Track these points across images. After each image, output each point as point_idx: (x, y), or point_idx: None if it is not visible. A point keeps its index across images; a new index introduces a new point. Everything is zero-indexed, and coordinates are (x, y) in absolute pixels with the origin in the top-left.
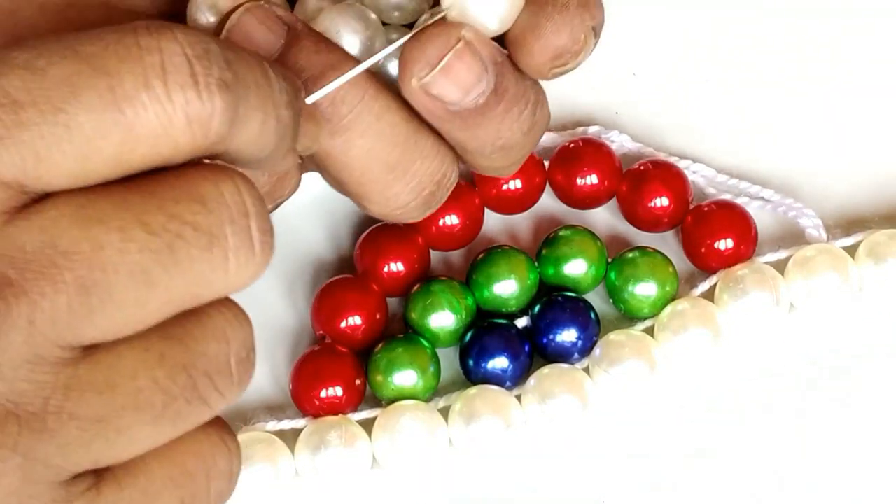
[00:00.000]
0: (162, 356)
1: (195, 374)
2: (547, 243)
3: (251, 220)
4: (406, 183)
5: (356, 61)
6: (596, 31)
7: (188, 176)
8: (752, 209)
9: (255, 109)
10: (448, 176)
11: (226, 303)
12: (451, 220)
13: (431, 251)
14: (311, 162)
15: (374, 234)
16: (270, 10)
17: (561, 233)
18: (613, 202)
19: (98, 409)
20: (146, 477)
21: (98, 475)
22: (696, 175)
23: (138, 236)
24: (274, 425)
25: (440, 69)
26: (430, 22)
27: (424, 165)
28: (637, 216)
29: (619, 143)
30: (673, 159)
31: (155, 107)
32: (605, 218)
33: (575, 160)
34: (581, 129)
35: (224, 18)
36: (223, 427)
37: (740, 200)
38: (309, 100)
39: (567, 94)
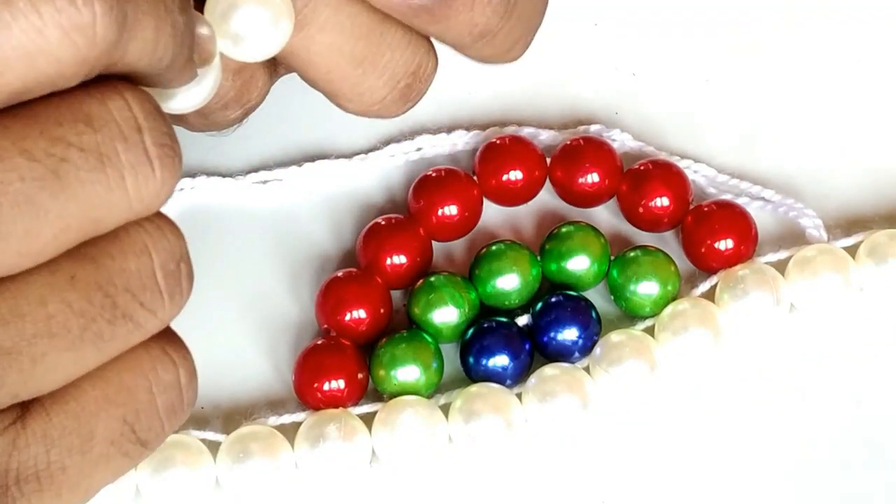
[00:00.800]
0: (73, 278)
1: (114, 293)
2: (550, 238)
3: (145, 135)
4: (378, 76)
5: None
6: None
7: (72, 96)
8: (753, 209)
9: (147, 14)
10: (424, 66)
11: (149, 217)
12: (451, 210)
13: (434, 246)
14: (282, 61)
15: (375, 227)
16: None
17: (564, 228)
18: (613, 201)
19: (5, 341)
20: (78, 401)
21: (24, 407)
22: (697, 175)
23: (19, 164)
24: (275, 420)
25: None
26: None
27: (395, 57)
28: (637, 216)
29: (621, 141)
30: (674, 159)
31: (20, 22)
32: (605, 217)
33: (576, 158)
34: (582, 127)
35: None
36: (167, 338)
37: (741, 200)
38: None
39: (568, 92)
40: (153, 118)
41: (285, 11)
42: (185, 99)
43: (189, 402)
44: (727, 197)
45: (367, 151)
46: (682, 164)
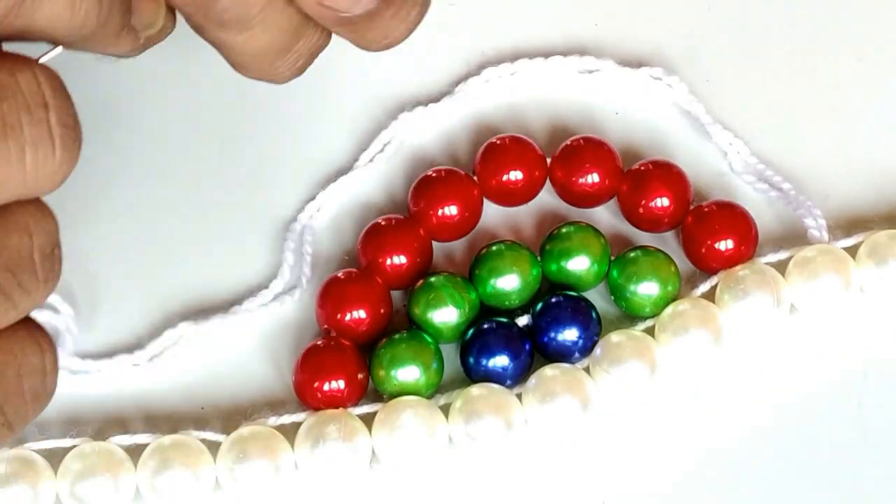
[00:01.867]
0: None
1: None
2: (550, 238)
3: (50, 113)
4: (286, 59)
5: None
6: None
7: None
8: (760, 202)
9: None
10: (322, 46)
11: (31, 198)
12: (451, 210)
13: (434, 246)
14: (213, 45)
15: (375, 227)
16: None
17: (564, 229)
18: (614, 202)
19: None
20: None
21: None
22: (732, 149)
23: None
24: (275, 420)
25: None
26: None
27: (306, 43)
28: (637, 216)
29: (677, 92)
30: (715, 128)
31: None
32: (605, 217)
33: (576, 158)
34: (645, 69)
35: None
36: (34, 325)
37: (759, 187)
38: None
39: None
40: (60, 97)
41: None
42: None
43: (51, 389)
44: (748, 178)
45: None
46: (721, 136)
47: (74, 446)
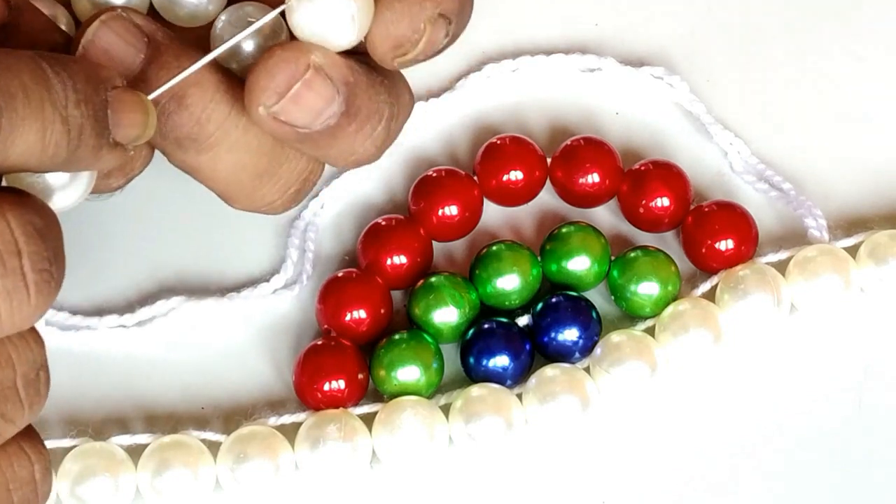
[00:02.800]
0: None
1: None
2: (551, 238)
3: (24, 260)
4: (273, 185)
5: (222, 74)
6: (448, 18)
7: None
8: (761, 201)
9: (27, 118)
10: (315, 172)
11: None
12: (451, 210)
13: (434, 246)
14: (184, 171)
15: (376, 227)
16: (129, 21)
17: (565, 229)
18: (614, 202)
19: None
20: None
21: None
22: (732, 149)
23: None
24: (275, 420)
25: (288, 97)
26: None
27: (290, 168)
28: (638, 216)
29: (678, 91)
30: (716, 128)
31: None
32: (605, 217)
33: (577, 158)
34: (646, 68)
35: (81, 31)
36: (26, 436)
37: (759, 187)
38: (151, 96)
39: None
40: (35, 241)
41: None
42: (61, 199)
43: (43, 495)
44: (749, 178)
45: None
46: (721, 136)
47: (74, 446)
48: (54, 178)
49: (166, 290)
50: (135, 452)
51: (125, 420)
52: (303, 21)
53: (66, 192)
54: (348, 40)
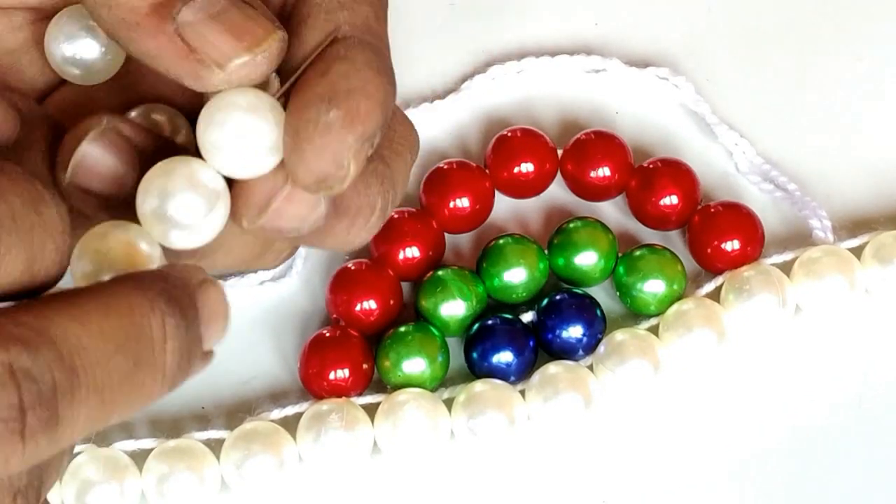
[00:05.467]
0: None
1: None
2: (559, 233)
3: (28, 417)
4: (269, 255)
5: None
6: (371, 141)
7: None
8: (767, 201)
9: (13, 246)
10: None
11: None
12: (462, 202)
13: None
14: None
15: (388, 219)
16: (117, 134)
17: (572, 224)
18: (621, 199)
19: None
20: None
21: None
22: (738, 149)
23: None
24: (278, 413)
25: (270, 212)
26: None
27: (281, 243)
28: (645, 213)
29: (683, 91)
30: (721, 129)
31: None
32: (612, 214)
33: (588, 151)
34: (651, 68)
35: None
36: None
37: (764, 187)
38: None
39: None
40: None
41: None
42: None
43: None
44: (754, 179)
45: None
46: (727, 136)
47: (79, 453)
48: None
49: None
50: (139, 456)
51: (128, 423)
52: (220, 166)
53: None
54: (270, 168)
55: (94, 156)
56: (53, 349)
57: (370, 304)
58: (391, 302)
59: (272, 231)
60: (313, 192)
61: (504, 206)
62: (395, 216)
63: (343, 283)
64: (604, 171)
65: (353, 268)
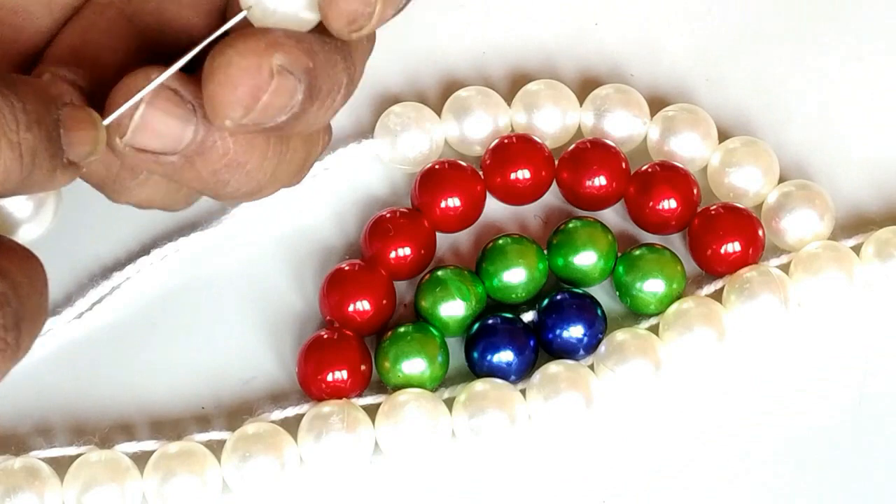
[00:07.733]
0: None
1: None
2: (558, 233)
3: None
4: (184, 195)
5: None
6: None
7: None
8: None
9: None
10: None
11: None
12: (454, 202)
13: (441, 240)
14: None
15: (380, 219)
16: (173, 96)
17: (572, 223)
18: (621, 204)
19: None
20: None
21: None
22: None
23: None
24: (278, 414)
25: (258, 110)
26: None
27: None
28: (644, 218)
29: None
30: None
31: None
32: (612, 219)
33: (584, 161)
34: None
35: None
36: None
37: None
38: (105, 121)
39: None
40: None
41: None
42: (27, 231)
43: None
44: None
45: None
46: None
47: (80, 455)
48: (19, 211)
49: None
50: (141, 458)
51: (130, 426)
52: (265, 20)
53: (31, 224)
54: (310, 26)
55: (155, 117)
56: None
57: (363, 305)
58: (384, 301)
59: (255, 127)
60: (345, 36)
61: (502, 207)
62: (387, 215)
63: (336, 285)
64: (600, 180)
65: (346, 268)
